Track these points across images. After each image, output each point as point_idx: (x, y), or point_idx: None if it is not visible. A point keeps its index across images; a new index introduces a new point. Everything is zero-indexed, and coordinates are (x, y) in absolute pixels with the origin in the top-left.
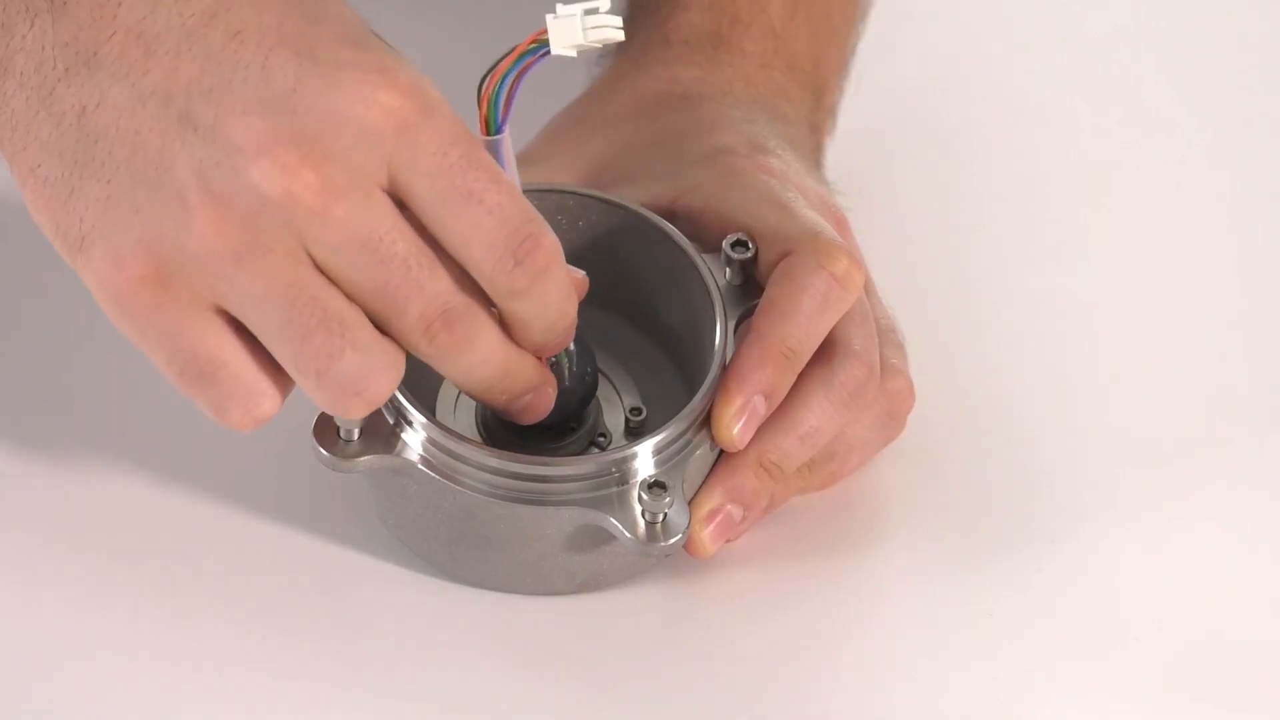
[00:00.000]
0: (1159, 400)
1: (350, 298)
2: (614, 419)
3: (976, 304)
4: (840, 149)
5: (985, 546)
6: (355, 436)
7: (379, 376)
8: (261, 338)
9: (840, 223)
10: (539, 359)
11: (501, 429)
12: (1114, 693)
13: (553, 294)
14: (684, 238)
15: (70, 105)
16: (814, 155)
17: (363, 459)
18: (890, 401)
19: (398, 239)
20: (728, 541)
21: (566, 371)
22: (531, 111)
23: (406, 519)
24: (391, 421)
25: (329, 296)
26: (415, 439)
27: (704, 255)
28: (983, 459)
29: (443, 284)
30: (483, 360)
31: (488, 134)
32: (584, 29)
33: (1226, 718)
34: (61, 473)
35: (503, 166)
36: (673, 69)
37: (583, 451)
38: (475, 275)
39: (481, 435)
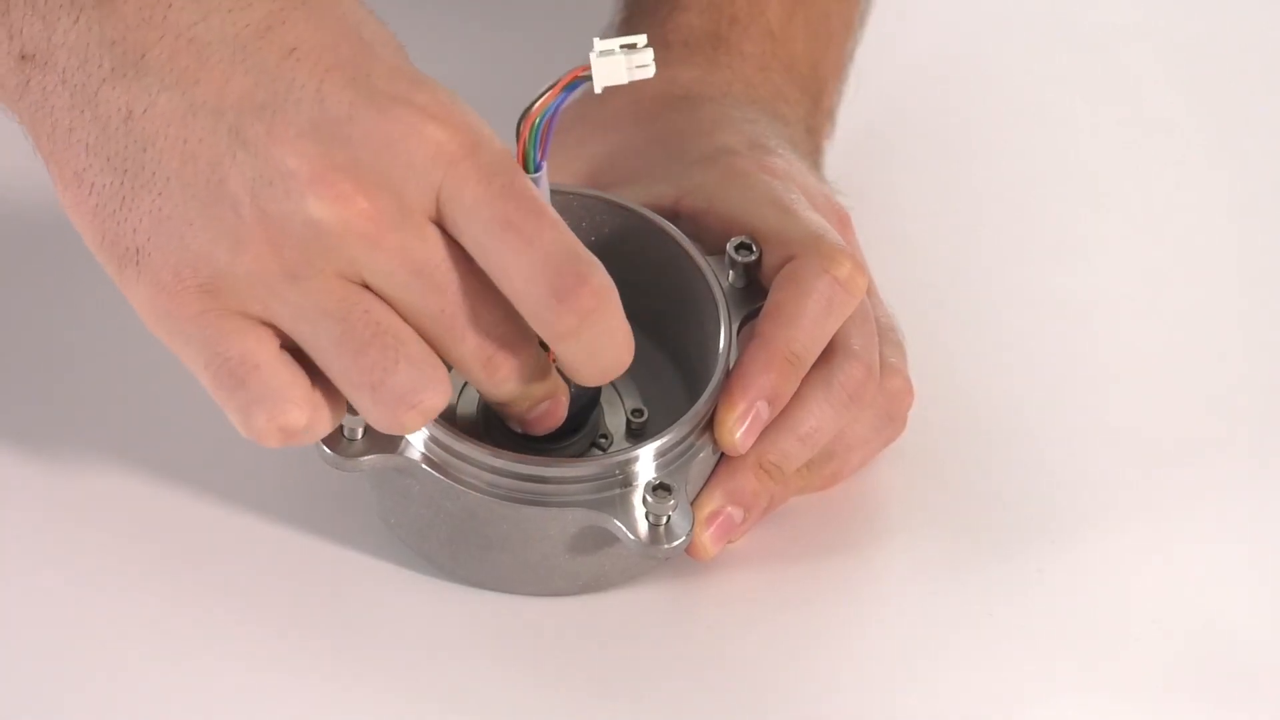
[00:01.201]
0: (1159, 400)
1: (405, 320)
2: (615, 421)
3: (976, 304)
4: (840, 149)
5: (985, 547)
6: (359, 435)
7: (432, 390)
8: (314, 353)
9: (843, 221)
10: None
11: (502, 429)
12: (1115, 693)
13: (604, 338)
14: (688, 240)
15: (116, 108)
16: (812, 157)
17: (366, 458)
18: (889, 401)
19: (451, 268)
20: (729, 543)
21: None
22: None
23: (408, 519)
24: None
25: (382, 312)
26: (418, 438)
27: (708, 258)
28: (983, 459)
29: (497, 313)
30: (520, 387)
31: (525, 170)
32: (628, 67)
33: (1226, 718)
34: (62, 472)
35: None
36: (672, 70)
37: (584, 453)
38: (522, 312)
39: (483, 436)
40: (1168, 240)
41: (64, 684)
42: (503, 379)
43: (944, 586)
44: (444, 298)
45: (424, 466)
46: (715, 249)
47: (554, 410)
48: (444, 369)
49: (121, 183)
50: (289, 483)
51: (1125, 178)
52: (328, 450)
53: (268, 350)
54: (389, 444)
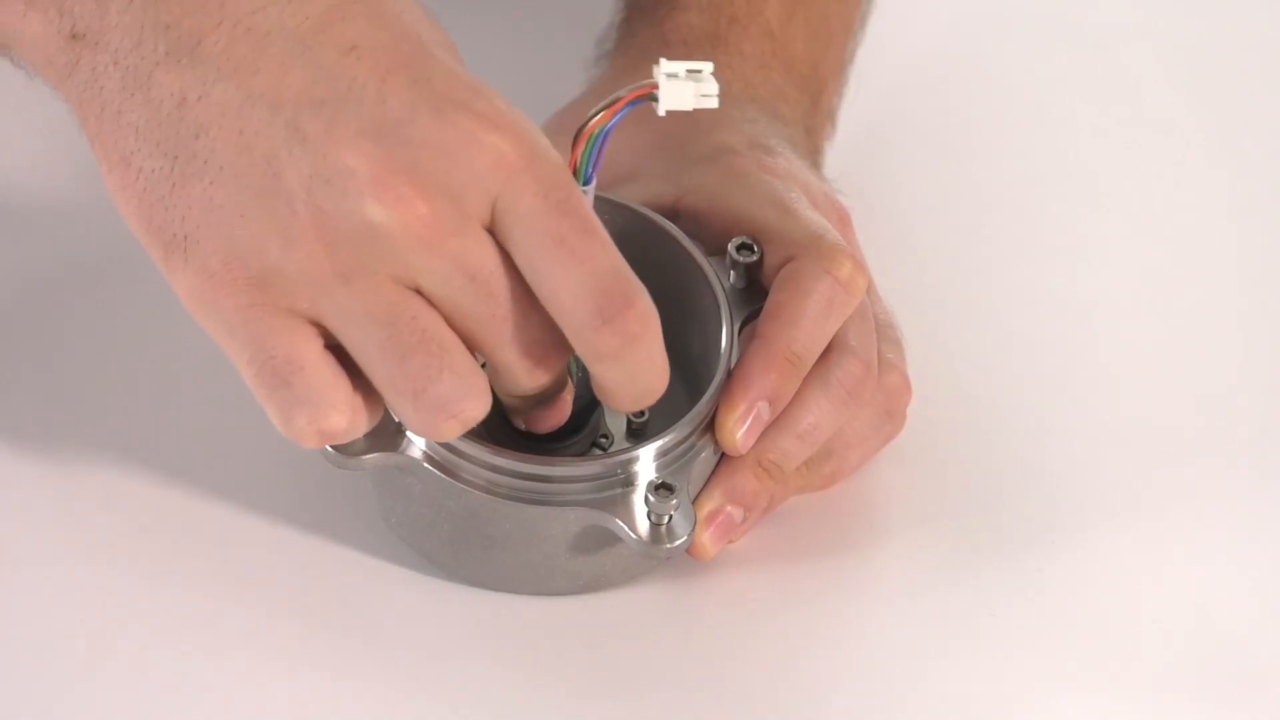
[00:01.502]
0: (1159, 400)
1: (452, 324)
2: (615, 420)
3: (976, 304)
4: (840, 149)
5: (986, 547)
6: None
7: (474, 401)
8: (358, 356)
9: (843, 220)
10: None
11: (502, 428)
12: (1115, 693)
13: (643, 363)
14: (689, 240)
15: (169, 92)
16: (812, 156)
17: (368, 456)
18: (888, 398)
19: (504, 275)
20: (729, 543)
21: (575, 379)
22: (529, 111)
23: (410, 518)
24: (397, 419)
25: (429, 319)
26: (419, 437)
27: (709, 258)
28: (983, 459)
29: (544, 321)
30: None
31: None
32: (695, 94)
33: (1226, 718)
34: (62, 471)
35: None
36: None
37: (585, 453)
38: (564, 329)
39: (484, 434)
40: (1168, 240)
41: (63, 683)
42: (537, 385)
43: (944, 586)
44: (496, 303)
45: (425, 465)
46: (715, 248)
47: (559, 409)
48: (485, 379)
49: (171, 168)
50: (290, 482)
51: (1125, 178)
52: (329, 449)
53: (313, 350)
54: (390, 442)
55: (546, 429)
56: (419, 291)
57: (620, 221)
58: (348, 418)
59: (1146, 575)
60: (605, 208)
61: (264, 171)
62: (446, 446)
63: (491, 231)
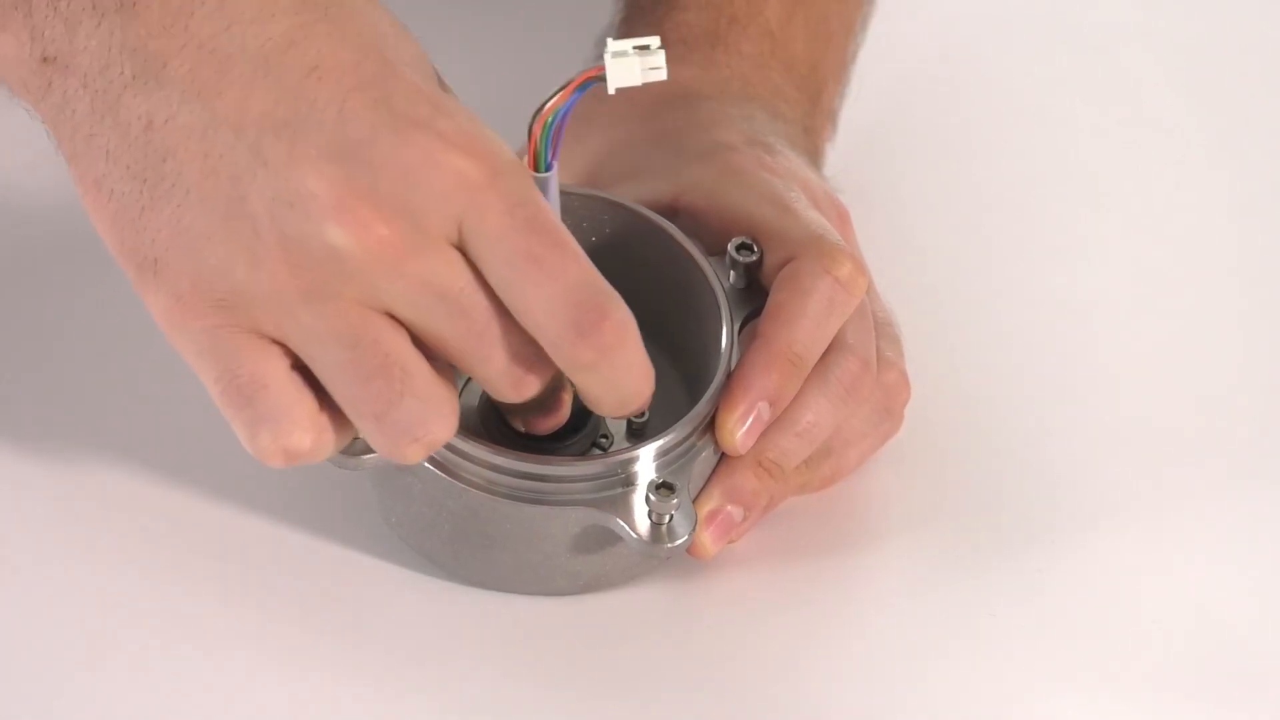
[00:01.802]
0: (1159, 400)
1: (429, 344)
2: (616, 421)
3: (976, 304)
4: (840, 149)
5: (986, 547)
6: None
7: (437, 424)
8: (322, 378)
9: (843, 219)
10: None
11: (502, 428)
12: (1115, 693)
13: (622, 372)
14: (688, 240)
15: (137, 115)
16: (811, 156)
17: (368, 457)
18: (886, 395)
19: (475, 291)
20: (730, 542)
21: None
22: (526, 109)
23: (410, 518)
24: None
25: (393, 341)
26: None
27: (709, 258)
28: (983, 459)
29: (523, 334)
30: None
31: (536, 170)
32: (641, 69)
33: (1226, 718)
34: (61, 471)
35: (549, 201)
36: (670, 68)
37: (585, 452)
38: (541, 344)
39: (483, 433)
40: (1168, 240)
41: (63, 683)
42: (526, 394)
43: (944, 587)
44: (469, 321)
45: (425, 465)
46: (714, 246)
47: (558, 411)
48: (452, 402)
49: (141, 191)
50: (290, 482)
51: (1125, 178)
52: None
53: (277, 370)
54: None
55: (546, 431)
56: (392, 314)
57: (619, 221)
58: (312, 436)
59: (1146, 575)
60: (604, 207)
61: (229, 195)
62: (447, 446)
63: (462, 250)
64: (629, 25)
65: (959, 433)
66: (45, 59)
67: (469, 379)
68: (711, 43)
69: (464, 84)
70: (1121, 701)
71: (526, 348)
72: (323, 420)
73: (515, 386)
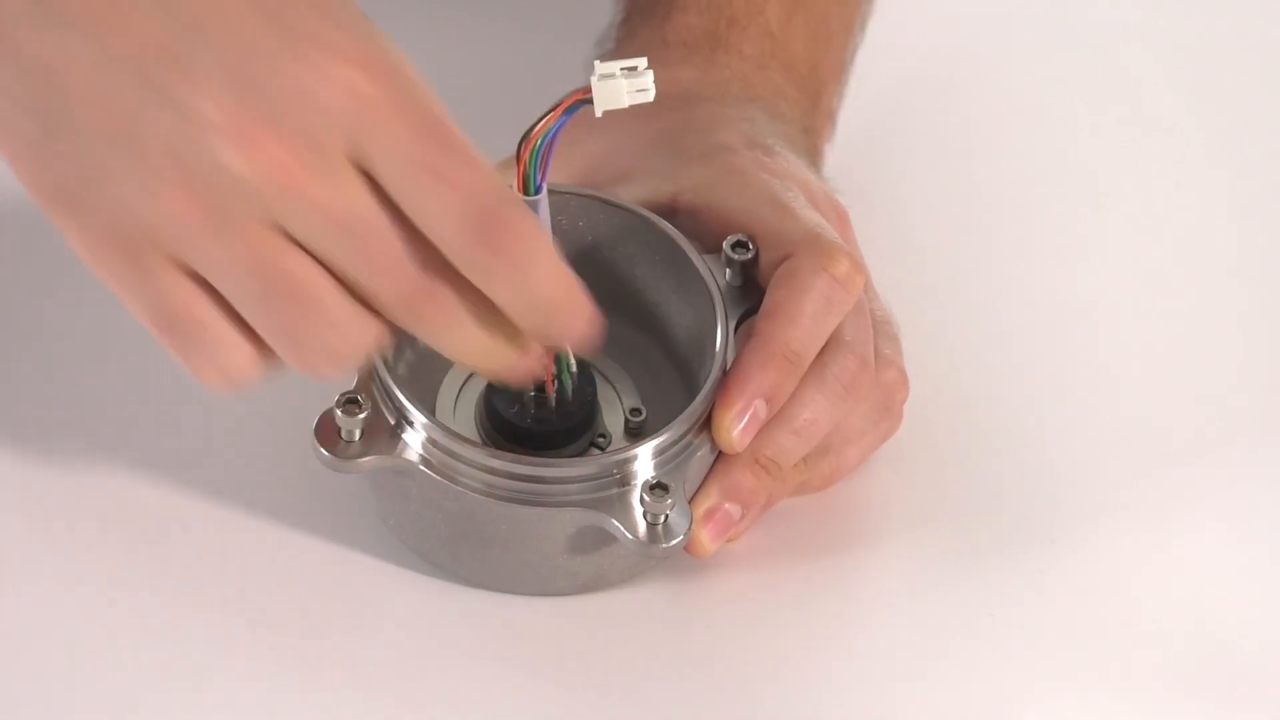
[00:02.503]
0: (1159, 400)
1: (327, 269)
2: (613, 420)
3: (976, 304)
4: (840, 149)
5: (986, 547)
6: (356, 437)
7: (349, 342)
8: (236, 304)
9: (842, 219)
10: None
11: (500, 430)
12: (1115, 693)
13: (536, 279)
14: (685, 239)
15: (35, 55)
16: (811, 157)
17: (364, 460)
18: (884, 393)
19: (373, 216)
20: (729, 541)
21: (569, 389)
22: (526, 110)
23: (407, 519)
24: (392, 422)
25: (299, 266)
26: (416, 440)
27: (704, 256)
28: (983, 459)
29: (422, 259)
30: (465, 334)
31: (525, 193)
32: (628, 91)
33: (1226, 718)
34: (58, 472)
35: (541, 224)
36: (670, 70)
37: (582, 452)
38: (445, 255)
39: (480, 436)
40: (1168, 240)
41: (63, 683)
42: (433, 326)
43: (944, 587)
44: (365, 246)
45: (422, 468)
46: (712, 246)
47: (526, 364)
48: (364, 320)
49: (45, 132)
50: (289, 482)
51: (1125, 178)
52: (325, 452)
53: (200, 303)
54: (386, 446)
55: (517, 382)
56: (294, 238)
57: (617, 221)
58: (241, 355)
59: (1146, 575)
60: (602, 207)
61: (128, 130)
62: (442, 449)
63: (362, 169)
64: (629, 26)
65: (959, 433)
66: None
67: (465, 383)
68: (712, 44)
69: (464, 85)
70: (1121, 702)
71: (424, 273)
72: (261, 344)
73: (411, 313)
